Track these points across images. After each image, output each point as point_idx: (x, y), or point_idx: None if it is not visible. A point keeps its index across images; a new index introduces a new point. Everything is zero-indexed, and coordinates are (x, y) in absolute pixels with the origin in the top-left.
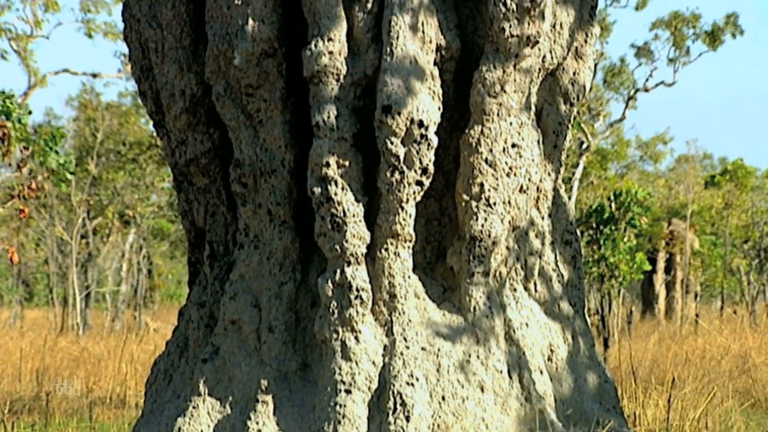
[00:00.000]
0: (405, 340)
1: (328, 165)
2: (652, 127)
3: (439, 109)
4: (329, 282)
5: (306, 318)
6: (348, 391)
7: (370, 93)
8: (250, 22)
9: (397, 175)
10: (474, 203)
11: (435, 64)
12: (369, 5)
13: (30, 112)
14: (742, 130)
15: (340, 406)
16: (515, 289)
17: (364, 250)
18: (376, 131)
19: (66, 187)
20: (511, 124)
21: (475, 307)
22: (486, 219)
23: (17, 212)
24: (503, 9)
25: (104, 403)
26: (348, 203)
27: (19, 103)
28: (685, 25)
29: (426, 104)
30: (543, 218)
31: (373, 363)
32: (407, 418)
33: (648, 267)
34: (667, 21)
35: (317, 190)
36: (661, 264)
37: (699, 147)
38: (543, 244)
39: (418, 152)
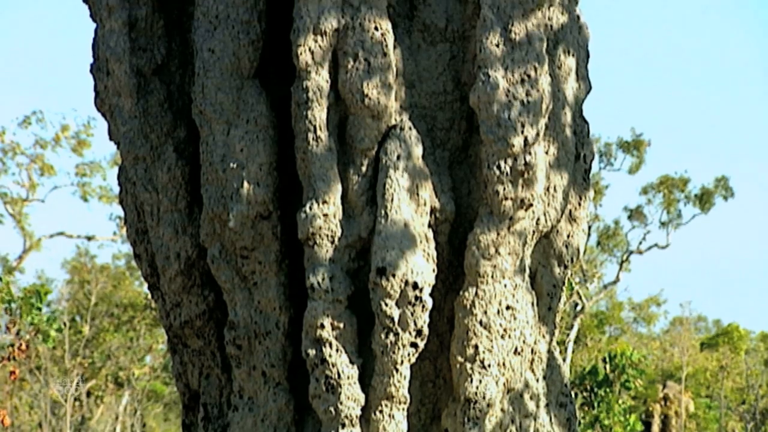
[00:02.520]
0: None
1: (322, 327)
2: (645, 289)
3: (434, 270)
4: None
5: None
6: None
7: (364, 254)
8: (246, 185)
9: (391, 337)
10: (469, 365)
11: (429, 226)
12: (364, 168)
13: (10, 271)
14: (735, 293)
15: None
16: None
17: (359, 412)
18: (370, 293)
19: (52, 342)
20: (505, 286)
21: None
22: (481, 381)
23: (9, 374)
24: (497, 172)
25: None
26: (342, 365)
27: (13, 266)
28: (675, 189)
29: (420, 266)
30: (538, 380)
31: None
32: None
33: (640, 427)
34: (657, 185)
35: (312, 351)
36: (656, 427)
37: (693, 309)
38: (538, 406)
39: (412, 314)
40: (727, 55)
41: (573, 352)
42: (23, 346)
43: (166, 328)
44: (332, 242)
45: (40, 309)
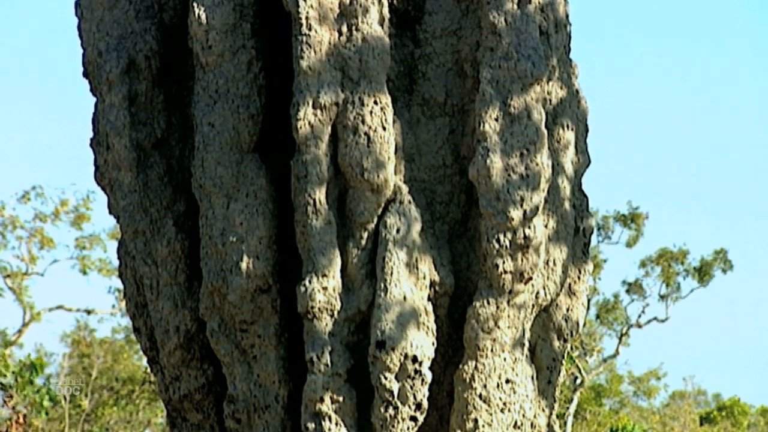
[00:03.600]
0: None
1: (322, 400)
2: (645, 362)
3: (433, 344)
4: None
5: None
6: None
7: (363, 328)
8: (245, 258)
9: (391, 411)
10: None
11: (429, 299)
12: (363, 242)
13: (9, 345)
14: (735, 367)
15: None
16: None
17: None
18: (370, 366)
19: (45, 413)
20: (504, 359)
21: None
22: None
23: None
24: (497, 245)
25: None
26: None
27: (12, 340)
28: (673, 261)
29: (420, 340)
30: None
31: None
32: None
33: None
34: (656, 258)
35: (311, 425)
36: None
37: (695, 383)
38: None
39: (412, 387)
40: (726, 128)
41: (572, 425)
42: (20, 420)
43: (165, 401)
44: (332, 316)
45: (32, 382)
